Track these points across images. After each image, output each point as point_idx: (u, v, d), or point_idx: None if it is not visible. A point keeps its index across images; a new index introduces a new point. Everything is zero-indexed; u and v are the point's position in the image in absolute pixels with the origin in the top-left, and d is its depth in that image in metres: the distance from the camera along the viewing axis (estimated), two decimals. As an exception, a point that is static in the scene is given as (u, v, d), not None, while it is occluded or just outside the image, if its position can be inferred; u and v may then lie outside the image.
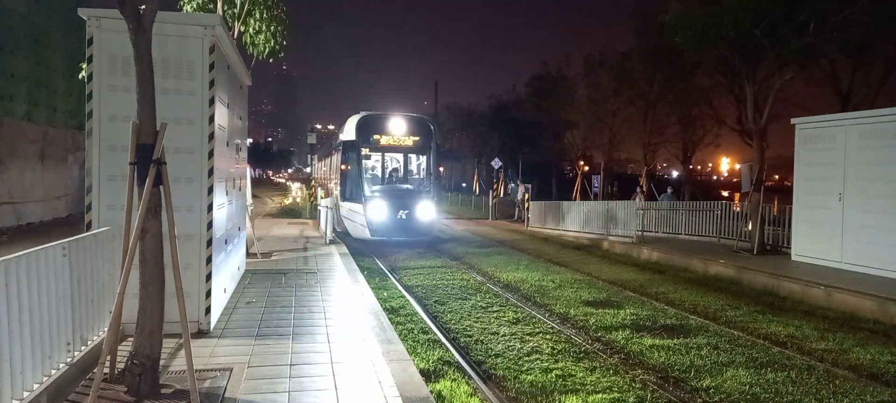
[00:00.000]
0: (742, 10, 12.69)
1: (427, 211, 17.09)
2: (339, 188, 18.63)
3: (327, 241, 15.07)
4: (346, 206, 17.73)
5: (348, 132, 17.84)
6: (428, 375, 5.89)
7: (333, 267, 11.13)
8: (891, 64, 21.29)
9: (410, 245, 16.44)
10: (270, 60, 12.19)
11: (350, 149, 17.40)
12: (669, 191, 24.91)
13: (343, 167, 17.64)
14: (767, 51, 13.73)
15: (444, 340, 7.46)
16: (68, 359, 4.62)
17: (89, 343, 5.04)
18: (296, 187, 39.05)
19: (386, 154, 19.20)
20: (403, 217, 16.47)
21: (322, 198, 20.08)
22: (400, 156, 19.41)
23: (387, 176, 18.96)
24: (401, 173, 19.39)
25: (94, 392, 3.98)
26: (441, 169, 19.54)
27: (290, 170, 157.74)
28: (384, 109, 19.91)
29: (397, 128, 17.72)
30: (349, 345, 6.02)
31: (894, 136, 10.63)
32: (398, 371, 5.25)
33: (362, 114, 18.08)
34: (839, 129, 11.88)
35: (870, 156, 11.10)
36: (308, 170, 45.19)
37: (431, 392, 4.98)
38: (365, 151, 17.66)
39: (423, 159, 18.98)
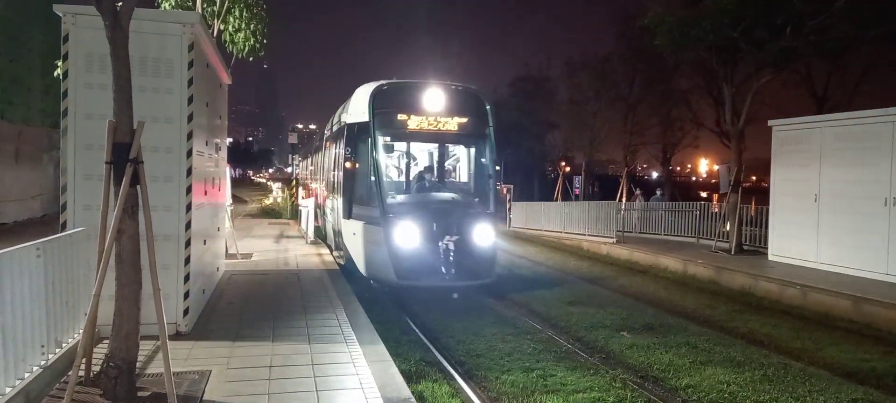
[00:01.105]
0: (720, 13, 12.84)
1: (485, 236, 10.38)
2: (338, 197, 11.90)
3: (308, 241, 14.99)
4: (351, 227, 10.97)
5: (357, 109, 11.19)
6: (409, 376, 5.87)
7: (313, 267, 11.06)
8: (866, 67, 21.68)
9: (462, 293, 10.23)
10: (250, 59, 12.08)
11: (360, 137, 10.93)
12: (659, 193, 25.14)
13: (348, 164, 11.18)
14: (745, 54, 13.91)
15: (425, 340, 7.45)
16: (42, 362, 4.53)
17: (64, 345, 4.95)
18: (277, 187, 38.80)
19: (416, 144, 12.49)
20: (450, 246, 9.75)
21: (303, 197, 19.77)
22: (438, 148, 12.64)
23: (418, 178, 11.80)
24: (440, 174, 12.55)
25: (69, 395, 3.91)
26: (498, 167, 12.16)
27: (270, 170, 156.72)
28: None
29: (435, 102, 10.89)
30: (330, 346, 5.98)
31: (868, 138, 10.82)
32: (379, 372, 5.23)
33: (379, 82, 11.27)
34: (815, 131, 12.06)
35: (845, 158, 11.29)
36: (289, 169, 44.79)
37: (413, 393, 4.96)
38: (385, 139, 11.05)
39: (475, 152, 11.94)
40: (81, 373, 4.40)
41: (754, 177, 46.69)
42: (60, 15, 5.75)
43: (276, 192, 34.71)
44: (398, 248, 9.88)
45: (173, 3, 10.61)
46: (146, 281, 4.30)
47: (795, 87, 22.95)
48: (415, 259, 9.88)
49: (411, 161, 12.53)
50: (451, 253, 9.74)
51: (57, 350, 4.80)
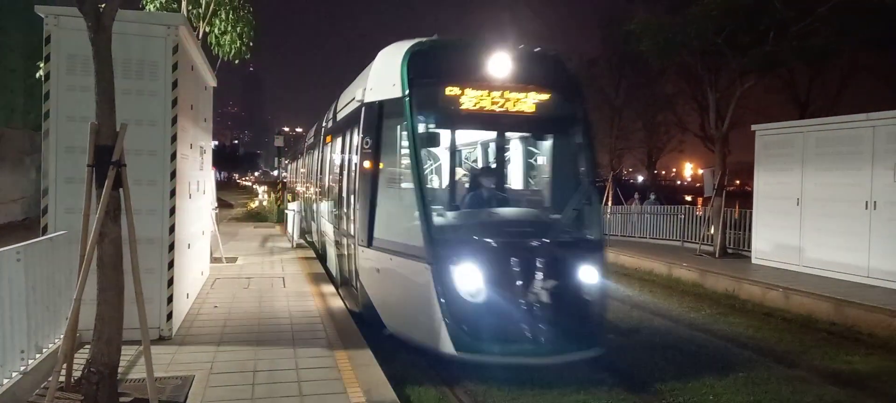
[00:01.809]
0: (705, 19, 12.97)
1: (591, 279, 6.80)
2: (349, 213, 8.21)
3: (294, 245, 14.91)
4: (373, 260, 7.29)
5: (384, 81, 7.40)
6: (396, 380, 5.84)
7: (299, 271, 11.00)
8: (847, 72, 22.03)
9: (552, 371, 6.32)
10: (236, 61, 12.03)
11: (388, 122, 7.28)
12: (653, 197, 25.27)
13: (367, 164, 7.39)
14: (729, 59, 14.06)
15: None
16: (22, 368, 4.47)
17: (44, 350, 4.89)
18: (262, 191, 38.62)
19: (474, 132, 8.93)
20: (539, 295, 6.31)
21: (290, 201, 19.61)
22: (500, 140, 8.37)
23: (472, 186, 8.07)
24: (506, 180, 8.54)
25: (49, 400, 3.86)
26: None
27: (256, 174, 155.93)
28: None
29: (501, 70, 7.15)
30: (316, 351, 5.95)
31: (849, 143, 10.97)
32: (365, 377, 5.21)
33: (418, 40, 7.37)
34: (797, 136, 12.21)
35: (827, 162, 11.43)
36: (275, 173, 44.44)
37: (399, 397, 4.94)
38: (427, 125, 7.16)
39: (563, 146, 7.96)
40: (62, 378, 4.35)
41: (738, 181, 47.15)
42: (42, 16, 5.69)
43: (262, 196, 34.53)
44: (457, 300, 6.17)
45: (158, 5, 10.54)
46: (129, 286, 4.26)
47: (779, 93, 23.27)
48: (485, 317, 6.15)
49: (466, 159, 8.59)
50: (544, 309, 6.19)
51: (37, 356, 4.74)
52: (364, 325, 7.12)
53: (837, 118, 11.79)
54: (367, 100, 7.61)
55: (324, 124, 12.80)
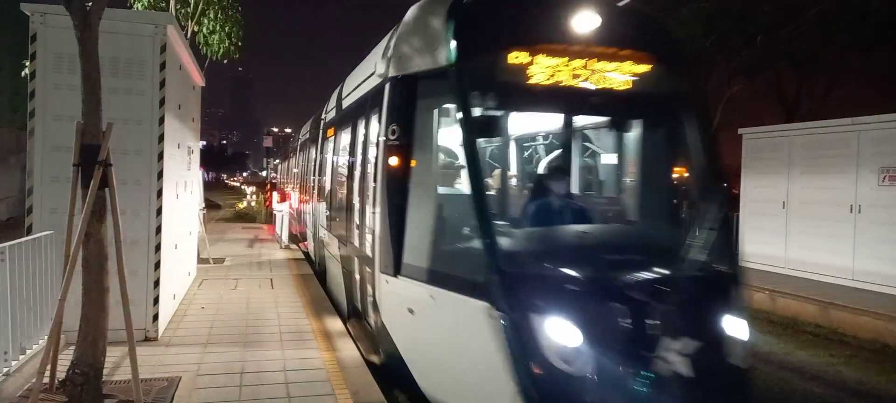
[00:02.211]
0: (693, 21, 13.07)
1: (737, 332, 4.54)
2: (363, 225, 6.00)
3: (282, 246, 14.85)
4: (404, 292, 4.97)
5: (419, 49, 5.12)
6: (384, 381, 5.84)
7: (287, 273, 10.96)
8: (834, 76, 22.24)
9: None
10: (225, 61, 11.99)
11: (424, 105, 5.15)
12: None
13: (394, 161, 5.05)
14: (718, 62, 14.18)
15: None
16: (5, 369, 4.42)
17: (28, 352, 4.83)
18: (250, 191, 38.50)
19: (545, 117, 6.42)
20: (670, 362, 3.96)
21: (278, 202, 19.51)
22: (592, 130, 6.40)
23: (538, 190, 5.51)
24: (601, 188, 6.53)
25: (33, 402, 3.82)
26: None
27: (245, 174, 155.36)
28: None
29: (585, 26, 4.84)
30: (304, 352, 5.93)
31: (835, 147, 11.07)
32: (354, 379, 5.20)
33: None
34: (784, 140, 12.31)
35: (812, 166, 11.54)
36: (264, 173, 44.24)
37: (387, 399, 4.94)
38: (484, 109, 4.59)
39: (672, 137, 5.56)
40: (46, 380, 4.31)
41: (725, 184, 47.55)
42: (28, 13, 5.64)
43: (251, 196, 34.40)
44: (543, 367, 3.98)
45: (146, 4, 10.48)
46: (114, 287, 4.22)
47: (766, 96, 23.45)
48: (586, 396, 4.02)
49: (539, 155, 6.86)
50: (680, 385, 4.02)
51: (21, 357, 4.69)
52: (389, 381, 5.40)
53: (823, 122, 11.91)
54: (394, 73, 5.40)
55: (323, 116, 10.69)
